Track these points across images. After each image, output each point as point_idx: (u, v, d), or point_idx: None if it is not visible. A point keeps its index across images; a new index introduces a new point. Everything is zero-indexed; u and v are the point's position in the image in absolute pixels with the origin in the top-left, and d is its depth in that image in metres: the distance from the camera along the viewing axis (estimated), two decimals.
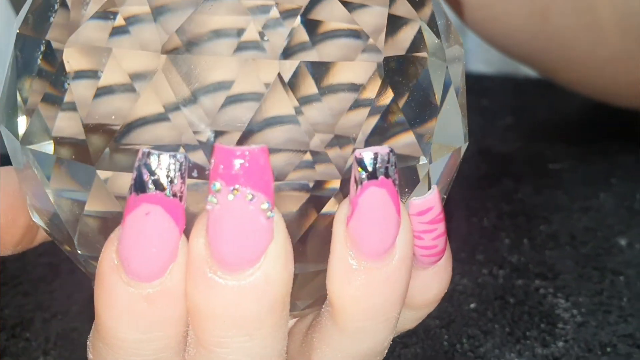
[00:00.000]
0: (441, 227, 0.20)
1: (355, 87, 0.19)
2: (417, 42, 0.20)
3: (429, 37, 0.21)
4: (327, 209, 0.19)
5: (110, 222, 0.19)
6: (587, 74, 0.40)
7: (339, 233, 0.19)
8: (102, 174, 0.18)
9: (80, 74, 0.18)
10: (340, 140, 0.19)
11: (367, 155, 0.18)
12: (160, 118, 0.18)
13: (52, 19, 0.19)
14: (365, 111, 0.19)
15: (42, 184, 0.20)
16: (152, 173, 0.17)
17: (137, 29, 0.18)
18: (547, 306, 0.33)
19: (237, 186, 0.17)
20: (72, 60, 0.19)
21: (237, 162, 0.16)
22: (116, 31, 0.18)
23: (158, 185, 0.17)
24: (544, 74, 0.47)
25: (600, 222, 0.39)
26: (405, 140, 0.20)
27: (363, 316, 0.20)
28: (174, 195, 0.17)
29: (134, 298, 0.18)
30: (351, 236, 0.18)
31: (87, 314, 0.33)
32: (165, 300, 0.18)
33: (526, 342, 0.30)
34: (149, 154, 0.17)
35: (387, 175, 0.18)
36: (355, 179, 0.18)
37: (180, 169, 0.17)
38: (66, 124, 0.19)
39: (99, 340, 0.19)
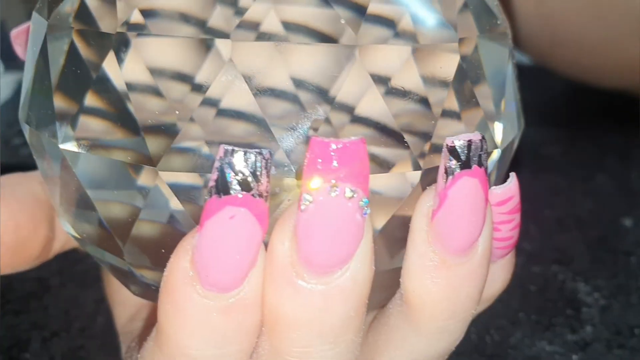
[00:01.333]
0: (518, 218, 0.19)
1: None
2: (490, 19, 0.19)
3: (499, 11, 0.20)
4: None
5: (169, 227, 0.18)
6: (580, 55, 0.40)
7: (420, 228, 0.17)
8: (165, 175, 0.17)
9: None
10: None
11: (460, 143, 0.16)
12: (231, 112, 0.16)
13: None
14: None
15: (85, 190, 0.18)
16: (237, 172, 0.15)
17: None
18: (569, 291, 0.32)
19: (335, 182, 0.15)
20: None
21: (337, 156, 0.15)
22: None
23: (244, 185, 0.15)
24: (536, 57, 0.47)
25: (602, 204, 0.39)
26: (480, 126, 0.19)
27: (444, 315, 0.18)
28: (260, 195, 0.15)
29: (210, 311, 0.16)
30: (437, 231, 0.17)
31: (92, 330, 0.31)
32: (243, 310, 0.17)
33: (555, 329, 0.30)
34: (232, 152, 0.15)
35: (480, 164, 0.17)
36: (445, 168, 0.17)
37: (266, 166, 0.15)
38: (125, 122, 0.17)
39: (165, 358, 0.17)
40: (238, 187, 0.15)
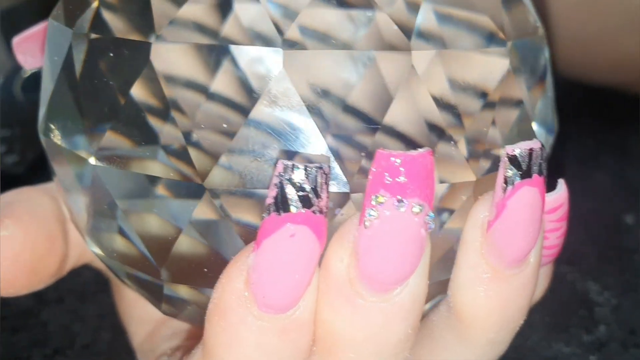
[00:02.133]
0: (565, 225, 0.19)
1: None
2: (531, 21, 0.19)
3: (534, 15, 0.19)
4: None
5: (213, 246, 0.17)
6: (574, 51, 0.40)
7: (473, 239, 0.17)
8: (210, 191, 0.16)
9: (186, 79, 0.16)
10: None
11: (521, 151, 0.16)
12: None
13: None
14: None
15: (119, 207, 0.17)
16: (297, 188, 0.14)
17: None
18: (580, 292, 0.32)
19: (400, 197, 0.14)
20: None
21: (406, 170, 0.14)
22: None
23: (305, 201, 0.14)
24: None
25: (603, 202, 0.39)
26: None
27: (496, 327, 0.18)
28: (320, 211, 0.15)
29: (265, 332, 0.16)
30: (492, 242, 0.17)
31: (96, 347, 0.30)
32: (298, 330, 0.16)
33: (570, 330, 0.30)
34: (293, 167, 0.14)
35: (540, 173, 0.16)
36: (504, 178, 0.16)
37: (326, 181, 0.15)
38: (167, 136, 0.16)
39: None
40: (299, 204, 0.14)
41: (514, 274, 0.17)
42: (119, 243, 0.18)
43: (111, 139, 0.17)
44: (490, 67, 0.17)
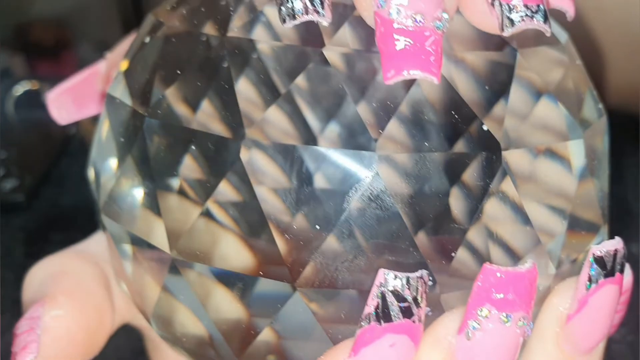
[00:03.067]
0: (625, 308, 0.19)
1: None
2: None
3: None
4: None
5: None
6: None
7: (551, 329, 0.17)
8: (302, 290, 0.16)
9: None
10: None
11: (606, 252, 0.16)
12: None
13: None
14: None
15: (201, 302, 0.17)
16: (400, 299, 0.14)
17: None
18: None
19: (507, 313, 0.14)
20: None
21: (514, 287, 0.14)
22: None
23: (407, 312, 0.14)
24: None
25: None
26: None
27: None
28: (419, 320, 0.15)
29: None
30: (570, 333, 0.17)
31: None
32: None
33: None
34: (395, 277, 0.14)
35: (621, 271, 0.17)
36: (589, 276, 0.16)
37: (425, 291, 0.15)
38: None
39: None
40: (400, 315, 0.14)
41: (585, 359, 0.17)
42: (192, 336, 0.18)
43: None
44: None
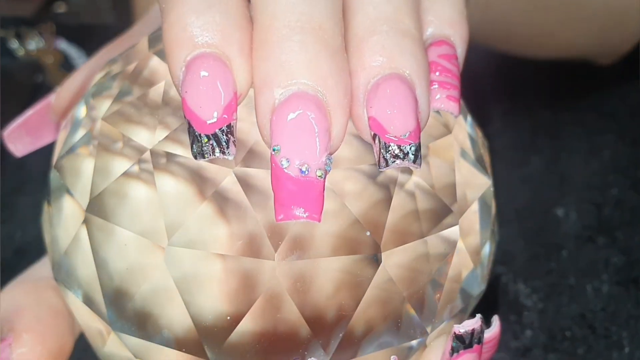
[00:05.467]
0: (494, 349, 0.23)
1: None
2: None
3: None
4: None
5: None
6: (517, 46, 0.43)
7: None
8: None
9: None
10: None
11: (465, 331, 0.20)
12: None
13: None
14: None
15: None
16: None
17: None
18: (512, 295, 0.37)
19: None
20: None
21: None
22: None
23: None
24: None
25: (536, 192, 0.42)
26: None
27: None
28: None
29: None
30: None
31: None
32: None
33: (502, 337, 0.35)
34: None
35: (478, 343, 0.20)
36: (452, 348, 0.20)
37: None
38: None
39: None
40: None
41: None
42: None
43: None
44: None
